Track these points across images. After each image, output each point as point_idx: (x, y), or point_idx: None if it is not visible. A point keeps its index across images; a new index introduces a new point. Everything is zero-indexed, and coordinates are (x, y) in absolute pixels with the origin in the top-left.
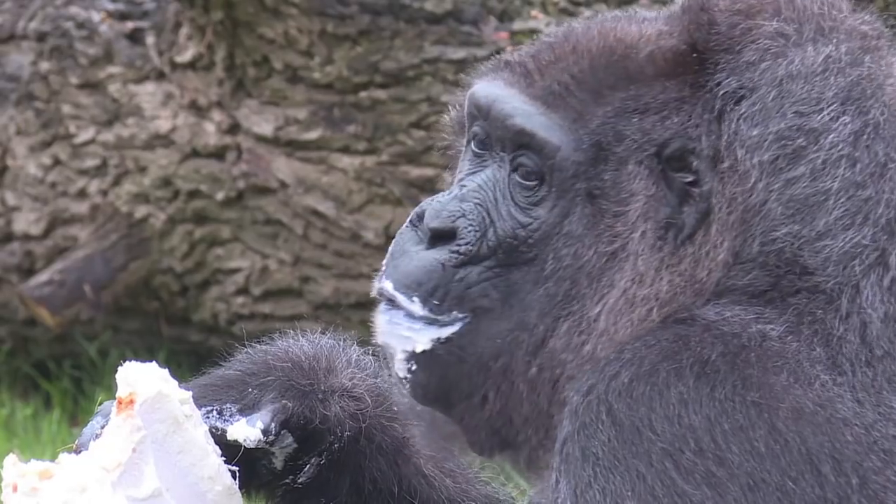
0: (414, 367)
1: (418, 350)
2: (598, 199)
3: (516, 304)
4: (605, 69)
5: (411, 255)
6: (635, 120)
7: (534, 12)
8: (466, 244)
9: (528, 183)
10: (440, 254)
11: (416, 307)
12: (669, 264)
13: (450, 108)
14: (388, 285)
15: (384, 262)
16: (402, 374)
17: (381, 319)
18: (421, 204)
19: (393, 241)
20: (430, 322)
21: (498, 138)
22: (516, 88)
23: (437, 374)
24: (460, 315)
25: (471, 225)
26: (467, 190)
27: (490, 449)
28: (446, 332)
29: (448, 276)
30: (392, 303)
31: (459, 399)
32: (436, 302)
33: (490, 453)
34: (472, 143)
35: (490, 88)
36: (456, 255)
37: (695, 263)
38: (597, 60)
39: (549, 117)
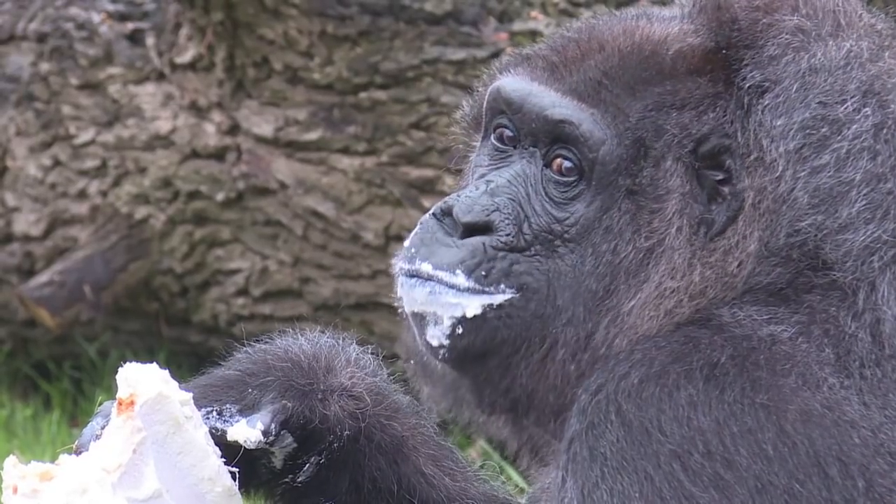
0: (460, 331)
1: (469, 315)
2: (637, 195)
3: (564, 295)
4: (636, 66)
5: (447, 243)
6: (674, 114)
7: (533, 13)
8: (506, 235)
9: (565, 178)
10: (480, 238)
11: (461, 279)
12: (701, 257)
13: (463, 102)
14: (425, 266)
15: (408, 245)
16: (437, 342)
17: (420, 291)
18: (445, 199)
19: (416, 229)
20: (478, 292)
21: (530, 132)
22: (546, 84)
23: (482, 337)
24: (507, 288)
25: (507, 217)
26: (496, 185)
27: (497, 410)
28: (498, 299)
29: (491, 254)
30: (430, 279)
31: (492, 363)
32: (483, 273)
33: (494, 413)
34: (494, 138)
35: (520, 83)
36: (497, 242)
37: (725, 255)
38: (627, 57)
39: (590, 111)
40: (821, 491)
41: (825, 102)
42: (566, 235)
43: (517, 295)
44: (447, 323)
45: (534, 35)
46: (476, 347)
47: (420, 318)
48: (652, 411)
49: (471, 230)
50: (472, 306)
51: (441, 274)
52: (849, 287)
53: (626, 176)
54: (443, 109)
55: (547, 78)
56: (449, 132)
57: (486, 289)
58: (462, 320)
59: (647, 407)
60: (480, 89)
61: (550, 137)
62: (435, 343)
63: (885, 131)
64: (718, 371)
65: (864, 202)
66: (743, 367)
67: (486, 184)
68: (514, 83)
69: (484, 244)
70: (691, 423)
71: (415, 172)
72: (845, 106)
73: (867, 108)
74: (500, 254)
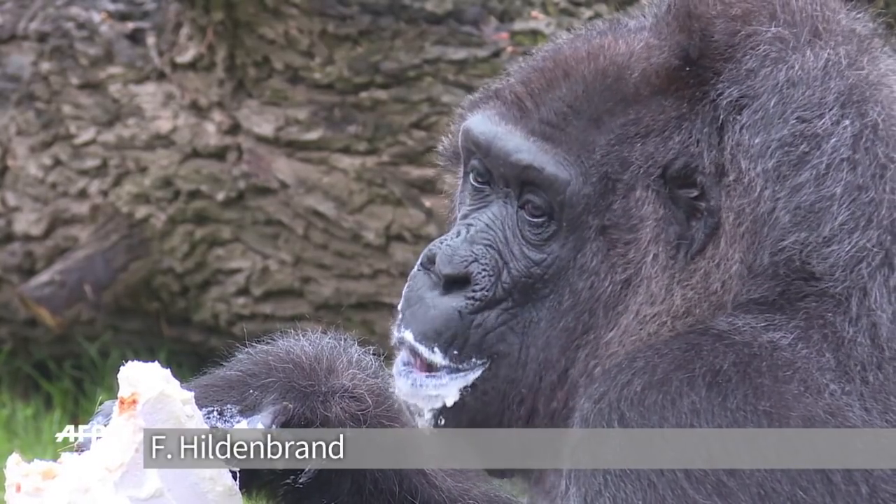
0: (442, 421)
1: (448, 404)
2: (609, 230)
3: (536, 343)
4: (600, 95)
5: (427, 302)
6: (638, 144)
7: (534, 13)
8: (482, 290)
9: (537, 220)
10: (457, 301)
11: (438, 357)
12: (681, 280)
13: (442, 137)
14: (408, 336)
15: (399, 307)
16: (428, 432)
17: (404, 383)
18: (429, 246)
19: (406, 286)
20: (453, 371)
21: (500, 175)
22: (513, 122)
23: (466, 420)
24: (479, 361)
25: (484, 269)
26: (475, 231)
27: (509, 473)
28: (470, 378)
29: (466, 323)
30: (413, 353)
31: (487, 434)
32: (455, 352)
33: (507, 476)
34: (472, 177)
35: (486, 124)
36: (472, 302)
37: (706, 276)
38: (591, 86)
39: (554, 152)
40: (824, 497)
41: (803, 117)
42: (545, 277)
43: (488, 364)
44: (428, 416)
45: (534, 35)
46: (463, 426)
47: (406, 407)
48: (655, 419)
49: (452, 281)
50: (451, 395)
51: (420, 349)
52: (841, 295)
53: (595, 214)
54: (444, 109)
55: (514, 115)
56: (437, 164)
57: (460, 366)
58: (443, 410)
59: (649, 414)
60: (455, 124)
61: (519, 181)
62: (426, 433)
63: (863, 140)
64: (721, 378)
65: (846, 214)
66: (745, 373)
67: (466, 228)
68: (481, 125)
69: (460, 312)
70: (694, 431)
71: (415, 172)
72: (824, 120)
73: (846, 120)
74: (476, 318)
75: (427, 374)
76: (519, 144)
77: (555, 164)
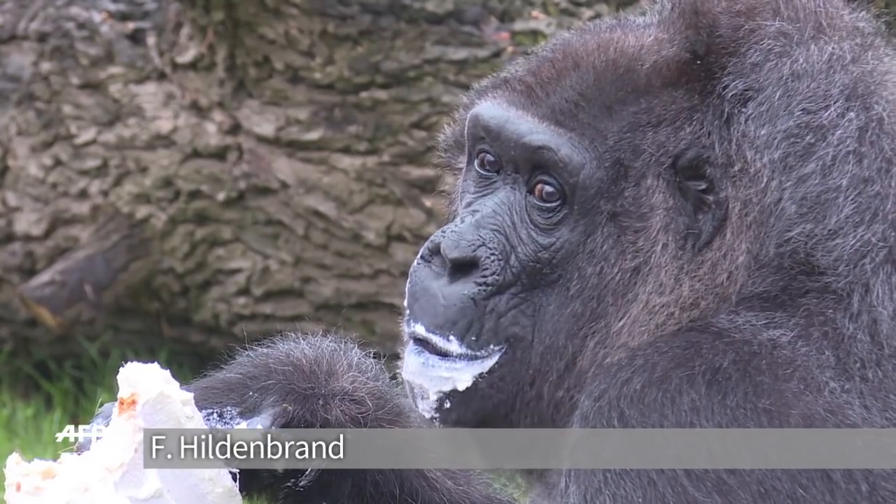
0: (447, 406)
1: (460, 388)
2: (620, 216)
3: (545, 328)
4: (611, 84)
5: (435, 292)
6: (650, 133)
7: (534, 13)
8: (492, 274)
9: (548, 204)
10: (466, 287)
11: (454, 346)
12: (689, 270)
13: (444, 127)
14: (419, 329)
15: (406, 303)
16: (429, 416)
17: (414, 361)
18: (431, 237)
19: (408, 280)
20: (471, 359)
21: (510, 159)
22: (523, 108)
23: (473, 408)
24: (496, 347)
25: (493, 253)
26: (482, 216)
27: (507, 463)
28: (487, 364)
29: (480, 310)
30: (424, 343)
31: (492, 424)
32: (473, 338)
33: (506, 466)
34: (477, 164)
35: (496, 109)
36: (484, 287)
37: (713, 268)
38: (602, 76)
39: (569, 136)
40: (824, 495)
41: (808, 109)
42: (553, 261)
43: (505, 349)
44: (433, 398)
45: (535, 35)
46: (468, 419)
47: (410, 388)
48: (654, 417)
49: (458, 266)
50: (464, 380)
51: (434, 339)
52: (843, 290)
53: (607, 199)
54: (444, 109)
55: (524, 102)
56: (438, 155)
57: (478, 353)
58: (451, 395)
59: (649, 412)
60: (462, 112)
61: (531, 164)
62: (427, 416)
63: (869, 133)
64: (721, 376)
65: (852, 207)
66: (745, 371)
67: (472, 214)
68: (491, 110)
69: (474, 299)
70: (694, 429)
71: (416, 172)
72: (829, 111)
73: (851, 112)
74: (489, 304)
75: (440, 356)
76: (532, 127)
77: (570, 146)
